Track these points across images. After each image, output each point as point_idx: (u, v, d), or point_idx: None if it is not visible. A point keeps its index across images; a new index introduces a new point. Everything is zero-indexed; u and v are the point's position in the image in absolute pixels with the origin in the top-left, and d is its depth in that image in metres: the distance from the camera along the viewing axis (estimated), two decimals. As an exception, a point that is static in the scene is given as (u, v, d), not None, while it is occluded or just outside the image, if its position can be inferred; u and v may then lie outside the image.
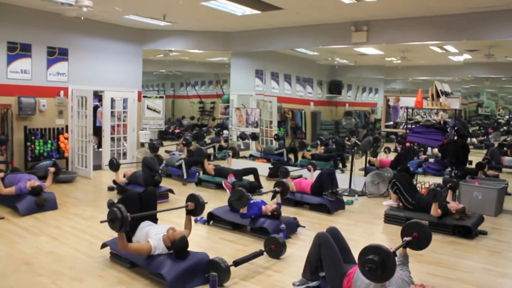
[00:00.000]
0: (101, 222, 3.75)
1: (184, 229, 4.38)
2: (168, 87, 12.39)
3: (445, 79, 7.93)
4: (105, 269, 4.19)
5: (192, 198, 4.45)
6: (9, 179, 6.32)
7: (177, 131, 11.88)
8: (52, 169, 6.67)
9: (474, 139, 8.54)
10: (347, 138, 9.92)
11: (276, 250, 4.57)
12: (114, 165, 7.53)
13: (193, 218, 4.50)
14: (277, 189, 6.01)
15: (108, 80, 9.71)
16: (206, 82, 12.32)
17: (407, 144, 8.03)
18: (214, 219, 5.78)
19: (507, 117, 8.50)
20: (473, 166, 7.53)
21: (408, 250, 3.67)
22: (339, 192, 7.01)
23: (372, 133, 9.70)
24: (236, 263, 4.07)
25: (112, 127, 9.97)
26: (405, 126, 7.42)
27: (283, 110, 10.58)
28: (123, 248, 3.84)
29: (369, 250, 3.01)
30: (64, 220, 5.80)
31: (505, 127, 8.54)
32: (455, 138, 6.87)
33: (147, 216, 4.39)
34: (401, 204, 6.22)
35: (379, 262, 2.92)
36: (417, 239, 3.54)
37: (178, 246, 3.86)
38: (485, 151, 8.09)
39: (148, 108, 10.65)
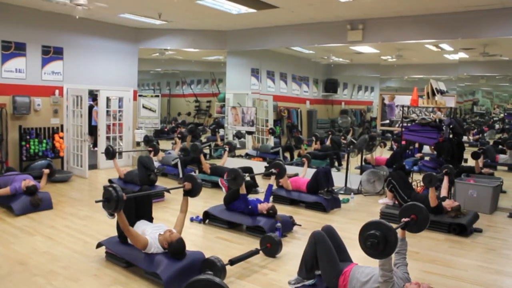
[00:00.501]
0: (96, 201, 3.76)
1: (180, 212, 4.37)
2: (163, 86, 12.36)
3: (441, 77, 7.94)
4: (101, 268, 4.18)
5: (189, 178, 4.40)
6: (3, 179, 6.29)
7: (173, 124, 11.91)
8: (46, 171, 6.63)
9: (470, 137, 8.56)
10: (343, 137, 9.94)
11: (272, 248, 4.58)
12: (110, 153, 7.55)
13: (190, 198, 4.41)
14: (273, 170, 5.99)
15: (103, 79, 9.68)
16: (202, 81, 12.29)
17: (403, 142, 8.05)
18: (210, 218, 5.77)
19: (502, 115, 8.53)
20: (469, 164, 7.57)
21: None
22: (335, 190, 7.02)
23: (368, 131, 9.72)
24: (232, 262, 4.06)
25: (108, 126, 9.95)
26: (400, 125, 7.43)
27: (279, 108, 10.58)
28: (123, 227, 3.86)
29: (370, 225, 3.00)
30: (59, 220, 5.78)
31: (500, 125, 8.56)
32: (451, 136, 6.89)
33: (142, 215, 4.40)
34: (396, 202, 6.25)
35: (380, 236, 2.91)
36: (415, 221, 3.52)
37: (175, 248, 3.85)
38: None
39: (143, 107, 10.63)
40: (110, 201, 3.60)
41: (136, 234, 3.95)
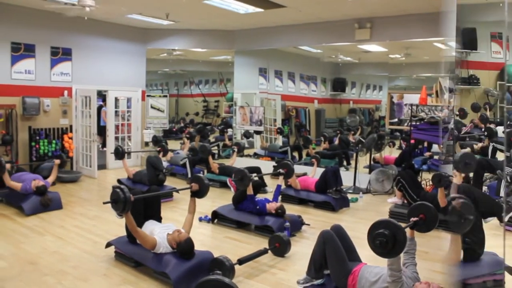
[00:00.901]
0: (104, 203, 3.78)
1: (188, 213, 4.38)
2: (171, 86, 12.39)
3: (450, 75, 7.88)
4: (110, 268, 4.21)
5: (196, 179, 4.41)
6: (14, 178, 6.35)
7: (181, 124, 11.94)
8: (57, 161, 6.74)
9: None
10: (352, 132, 9.89)
11: (280, 248, 4.57)
12: (119, 153, 7.60)
13: (197, 199, 4.42)
14: (281, 170, 5.98)
15: (112, 80, 9.73)
16: (210, 81, 12.30)
17: (412, 141, 8.00)
18: (218, 217, 5.78)
19: None
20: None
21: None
22: (344, 189, 7.00)
23: (376, 130, 9.67)
24: (241, 261, 4.06)
25: (116, 127, 10.00)
26: (409, 123, 7.39)
27: (287, 108, 10.56)
28: (131, 228, 3.88)
29: (379, 224, 2.99)
30: (69, 220, 5.83)
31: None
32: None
33: (151, 215, 4.41)
34: (405, 201, 6.20)
35: (389, 235, 2.89)
36: (424, 220, 3.49)
37: (183, 248, 3.86)
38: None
39: (152, 107, 10.67)
40: (118, 202, 3.62)
41: (144, 234, 3.97)
